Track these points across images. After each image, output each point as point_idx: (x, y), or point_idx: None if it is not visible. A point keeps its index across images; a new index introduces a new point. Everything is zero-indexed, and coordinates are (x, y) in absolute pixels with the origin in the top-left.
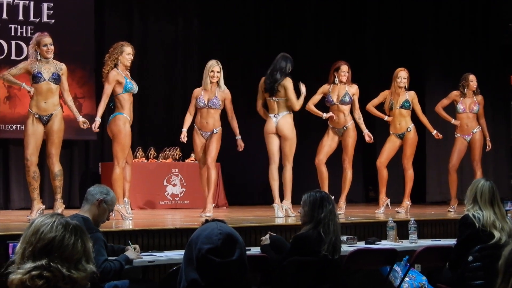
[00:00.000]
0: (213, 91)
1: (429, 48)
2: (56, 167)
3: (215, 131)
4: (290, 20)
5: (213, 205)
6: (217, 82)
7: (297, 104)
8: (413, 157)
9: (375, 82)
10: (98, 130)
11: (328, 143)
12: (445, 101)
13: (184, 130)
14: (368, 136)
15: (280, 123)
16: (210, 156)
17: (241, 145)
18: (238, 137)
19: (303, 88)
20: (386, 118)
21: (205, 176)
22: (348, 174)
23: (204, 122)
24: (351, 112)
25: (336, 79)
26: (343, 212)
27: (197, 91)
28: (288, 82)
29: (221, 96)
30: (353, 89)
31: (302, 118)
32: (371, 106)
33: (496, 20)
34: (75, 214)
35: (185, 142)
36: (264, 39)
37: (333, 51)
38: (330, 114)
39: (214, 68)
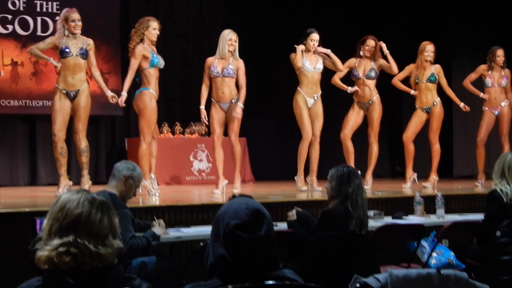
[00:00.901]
0: (227, 60)
1: (456, 23)
2: (83, 143)
3: (233, 100)
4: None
5: (225, 182)
6: (232, 52)
7: (295, 62)
8: (439, 131)
9: (401, 56)
10: (124, 105)
11: (354, 118)
12: (473, 76)
13: (202, 107)
14: None
15: None
16: (233, 132)
17: (238, 112)
18: (240, 104)
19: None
20: (412, 92)
21: (221, 152)
22: (374, 148)
23: (220, 92)
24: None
25: (362, 52)
26: (370, 187)
27: (209, 60)
28: (291, 59)
29: (235, 65)
30: (379, 64)
31: (328, 93)
32: (397, 80)
33: None
34: (102, 190)
35: (206, 121)
36: (288, 17)
37: (356, 27)
38: (355, 88)
39: (232, 36)
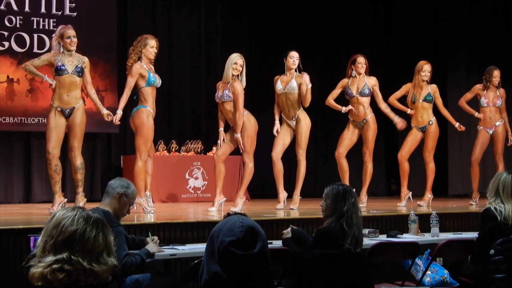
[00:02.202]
0: (228, 84)
1: (454, 42)
2: (78, 160)
3: None
4: (321, 14)
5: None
6: (238, 76)
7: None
8: (434, 150)
9: (400, 75)
10: (119, 123)
11: (349, 136)
12: (468, 95)
13: (221, 129)
14: (400, 123)
15: None
16: (244, 152)
17: (239, 141)
18: (237, 135)
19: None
20: (408, 111)
21: (222, 167)
22: (369, 167)
23: (228, 118)
24: (377, 104)
25: (354, 72)
26: (365, 205)
27: (217, 85)
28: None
29: (231, 89)
30: (373, 81)
31: (323, 112)
32: (393, 99)
33: None
34: (96, 207)
35: (222, 144)
36: (289, 32)
37: (366, 45)
38: (349, 107)
39: (237, 61)
